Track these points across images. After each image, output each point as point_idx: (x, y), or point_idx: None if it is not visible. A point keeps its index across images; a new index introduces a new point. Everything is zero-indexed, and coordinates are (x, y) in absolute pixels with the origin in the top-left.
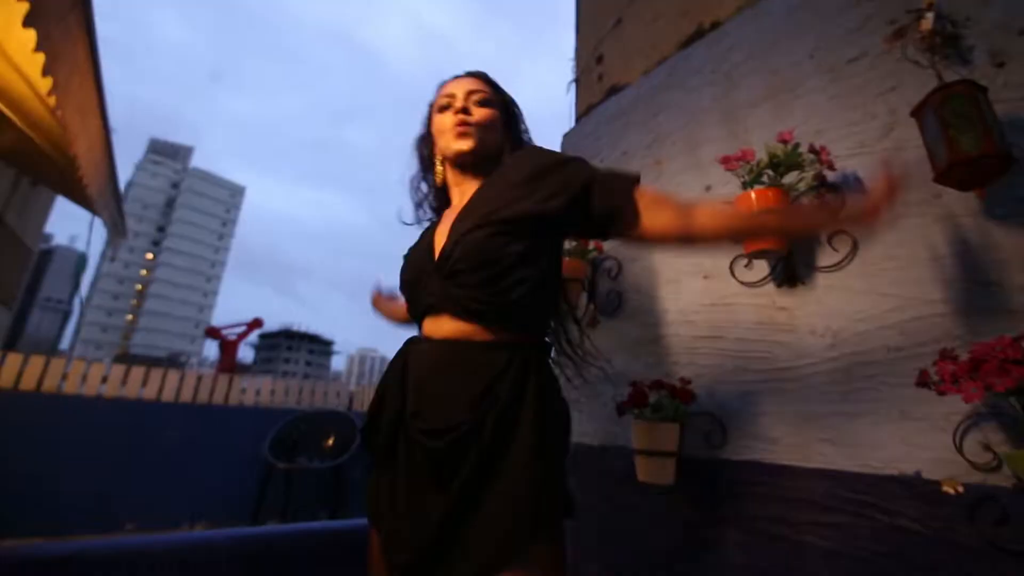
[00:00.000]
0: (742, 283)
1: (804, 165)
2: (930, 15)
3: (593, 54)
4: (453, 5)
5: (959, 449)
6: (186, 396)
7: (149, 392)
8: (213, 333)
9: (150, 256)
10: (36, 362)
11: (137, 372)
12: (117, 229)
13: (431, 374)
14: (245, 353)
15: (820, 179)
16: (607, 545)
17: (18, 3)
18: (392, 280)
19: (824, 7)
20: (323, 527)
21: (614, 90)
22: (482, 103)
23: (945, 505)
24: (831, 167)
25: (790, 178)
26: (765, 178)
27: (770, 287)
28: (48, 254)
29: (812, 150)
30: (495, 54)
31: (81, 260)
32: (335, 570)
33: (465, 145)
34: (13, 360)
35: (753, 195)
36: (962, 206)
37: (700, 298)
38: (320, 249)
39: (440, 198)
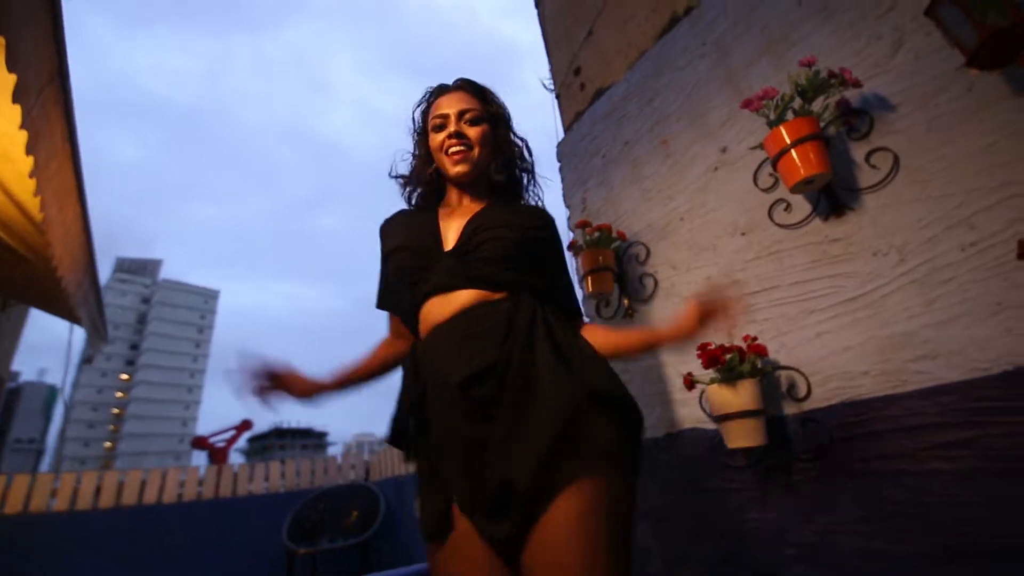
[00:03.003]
0: (786, 227)
1: (830, 88)
2: None
3: (569, 68)
4: (394, 87)
5: None
6: (190, 494)
7: (150, 496)
8: (201, 443)
9: (125, 377)
10: (21, 481)
11: (134, 476)
12: (98, 332)
13: (452, 344)
14: (235, 460)
15: (843, 105)
16: (702, 539)
17: (7, 75)
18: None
19: None
20: None
21: (600, 93)
22: (473, 121)
23: None
24: (857, 84)
25: (816, 105)
26: (790, 113)
27: (817, 222)
28: (15, 393)
29: (832, 74)
30: None
31: (52, 394)
32: None
33: (462, 169)
34: None
35: (783, 130)
36: (994, 92)
37: (743, 255)
38: (298, 340)
39: (430, 193)
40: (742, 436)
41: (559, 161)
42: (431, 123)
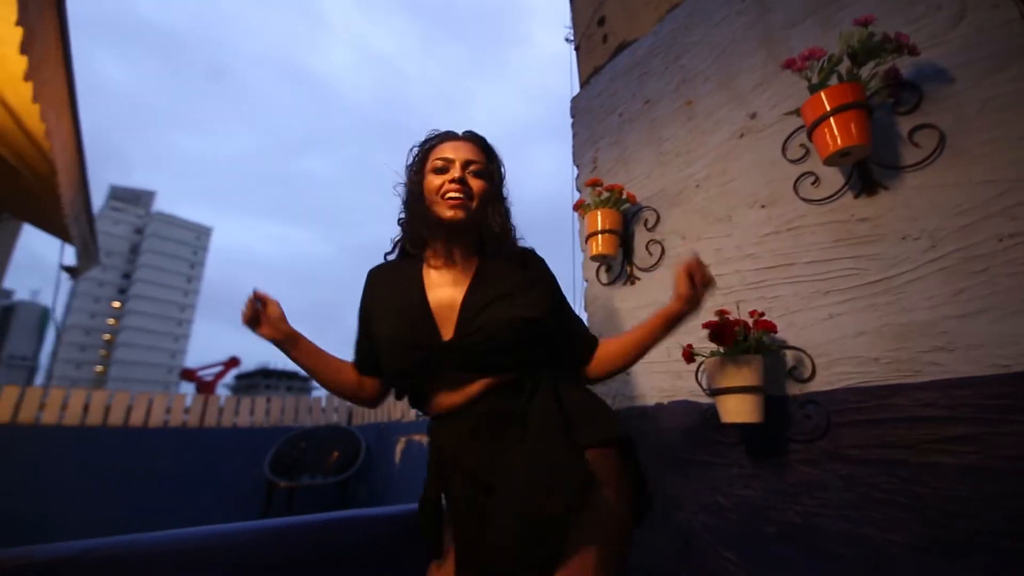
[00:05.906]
0: (811, 202)
1: (883, 53)
2: None
3: (593, 18)
4: (398, 30)
5: None
6: (176, 421)
7: (136, 419)
8: (189, 375)
9: (116, 305)
10: (10, 392)
11: (122, 398)
12: (89, 252)
13: (468, 437)
14: (222, 395)
15: (893, 74)
16: (679, 509)
17: None
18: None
19: None
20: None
21: (623, 47)
22: (477, 174)
23: None
24: (914, 52)
25: (865, 71)
26: (834, 78)
27: (846, 199)
28: (9, 311)
29: (887, 38)
30: (442, 76)
31: (44, 314)
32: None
33: (458, 215)
34: None
35: (824, 95)
36: None
37: (759, 229)
38: (286, 283)
39: (419, 244)
40: (737, 412)
41: (572, 117)
42: (432, 164)
